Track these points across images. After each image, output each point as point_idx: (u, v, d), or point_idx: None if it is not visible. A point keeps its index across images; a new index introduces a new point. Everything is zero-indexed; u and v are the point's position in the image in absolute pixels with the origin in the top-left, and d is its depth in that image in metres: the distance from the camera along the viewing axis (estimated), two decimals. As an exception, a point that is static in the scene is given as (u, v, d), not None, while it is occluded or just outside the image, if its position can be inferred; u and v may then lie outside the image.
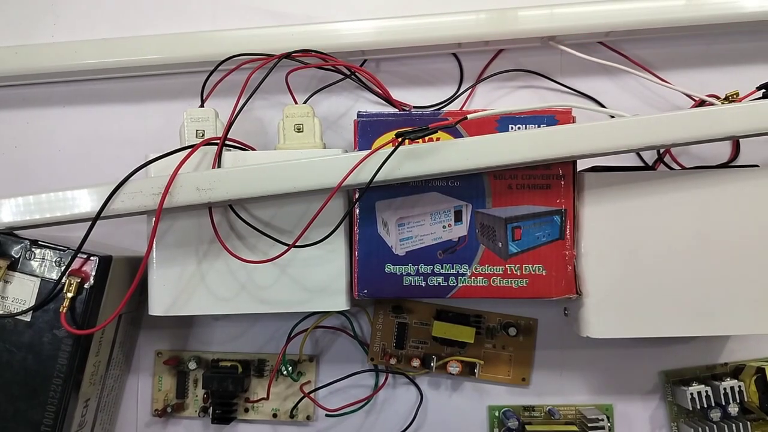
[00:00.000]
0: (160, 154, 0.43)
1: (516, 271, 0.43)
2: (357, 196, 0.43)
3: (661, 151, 0.52)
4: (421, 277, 0.43)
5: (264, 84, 0.45)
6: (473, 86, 0.53)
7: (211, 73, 0.47)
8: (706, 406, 0.48)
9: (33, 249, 0.43)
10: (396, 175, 0.41)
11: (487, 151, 0.41)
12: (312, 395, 0.51)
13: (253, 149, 0.47)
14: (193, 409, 0.52)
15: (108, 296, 0.44)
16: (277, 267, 0.44)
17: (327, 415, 0.51)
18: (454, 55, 0.54)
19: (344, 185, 0.41)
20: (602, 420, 0.48)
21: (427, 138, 0.42)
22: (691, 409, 0.48)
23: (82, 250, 0.42)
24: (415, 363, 0.50)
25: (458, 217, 0.43)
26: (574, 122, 0.43)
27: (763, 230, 0.42)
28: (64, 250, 0.43)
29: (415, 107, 0.53)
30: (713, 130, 0.41)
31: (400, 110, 0.49)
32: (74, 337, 0.43)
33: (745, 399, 0.47)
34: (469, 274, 0.43)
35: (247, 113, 0.53)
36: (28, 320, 0.43)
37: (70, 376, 0.43)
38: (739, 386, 0.47)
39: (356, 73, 0.49)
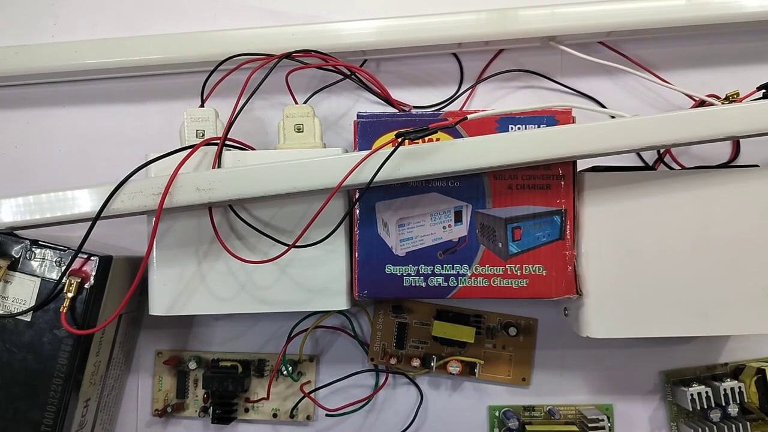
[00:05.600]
0: (160, 154, 0.43)
1: (516, 271, 0.43)
2: (357, 196, 0.43)
3: (662, 151, 0.52)
4: (422, 277, 0.43)
5: (264, 84, 0.45)
6: (473, 86, 0.53)
7: (212, 73, 0.47)
8: (706, 406, 0.48)
9: (33, 249, 0.43)
10: (396, 176, 0.41)
11: (487, 152, 0.41)
12: (312, 395, 0.51)
13: (253, 149, 0.47)
14: (194, 409, 0.52)
15: (108, 296, 0.44)
16: (277, 267, 0.44)
17: (327, 415, 0.51)
18: (455, 55, 0.54)
19: (344, 185, 0.41)
20: (602, 420, 0.48)
21: (427, 138, 0.42)
22: (691, 409, 0.48)
23: (82, 250, 0.42)
24: (416, 363, 0.50)
25: (458, 218, 0.43)
26: (574, 122, 0.43)
27: (763, 230, 0.42)
28: (64, 250, 0.43)
29: (415, 107, 0.53)
30: (713, 130, 0.41)
31: (399, 110, 0.49)
32: (74, 337, 0.43)
33: (745, 400, 0.47)
34: (469, 274, 0.43)
35: (248, 113, 0.53)
36: (29, 320, 0.43)
37: (71, 376, 0.43)
38: (739, 387, 0.47)
39: (356, 74, 0.49)
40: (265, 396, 0.51)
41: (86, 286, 0.43)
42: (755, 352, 0.51)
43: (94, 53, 0.51)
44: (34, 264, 0.43)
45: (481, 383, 0.52)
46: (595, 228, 0.43)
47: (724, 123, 0.41)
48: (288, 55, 0.47)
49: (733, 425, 0.47)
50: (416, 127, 0.41)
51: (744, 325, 0.42)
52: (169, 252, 0.44)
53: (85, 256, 0.43)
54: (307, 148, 0.45)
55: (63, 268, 0.43)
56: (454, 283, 0.43)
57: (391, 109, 0.49)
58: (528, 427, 0.49)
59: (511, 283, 0.43)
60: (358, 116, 0.44)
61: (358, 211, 0.44)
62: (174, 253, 0.44)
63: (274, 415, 0.52)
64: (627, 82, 0.53)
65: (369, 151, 0.41)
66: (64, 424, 0.43)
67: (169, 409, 0.51)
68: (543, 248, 0.43)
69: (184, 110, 0.46)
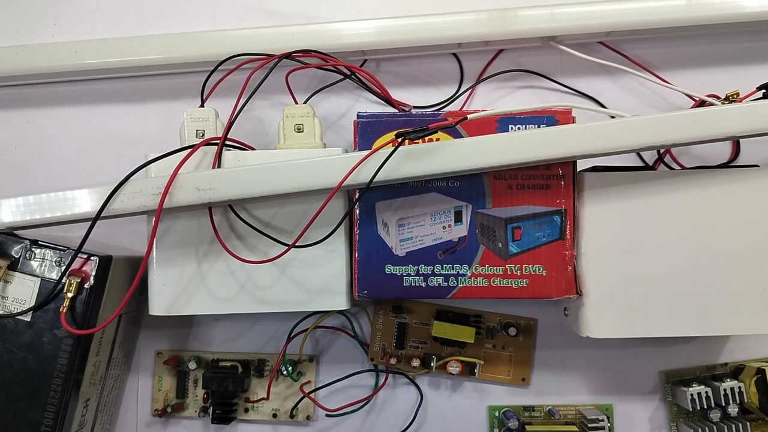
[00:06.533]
0: (160, 154, 0.43)
1: (516, 271, 0.43)
2: (357, 196, 0.43)
3: (661, 151, 0.52)
4: (422, 277, 0.43)
5: (264, 84, 0.45)
6: (473, 86, 0.53)
7: (212, 73, 0.47)
8: (705, 406, 0.48)
9: (33, 249, 0.43)
10: (396, 176, 0.41)
11: (487, 151, 0.41)
12: (312, 395, 0.51)
13: (253, 149, 0.47)
14: (193, 409, 0.52)
15: (108, 296, 0.44)
16: (277, 267, 0.44)
17: (327, 415, 0.51)
18: (454, 55, 0.54)
19: (344, 185, 0.41)
20: (602, 420, 0.48)
21: (427, 138, 0.42)
22: (691, 409, 0.48)
23: (82, 250, 0.42)
24: (415, 363, 0.50)
25: (458, 218, 0.43)
26: (574, 122, 0.43)
27: (763, 230, 0.42)
28: (64, 250, 0.43)
29: (415, 107, 0.53)
30: (713, 130, 0.41)
31: (399, 110, 0.49)
32: (74, 337, 0.43)
33: (745, 400, 0.47)
34: (469, 274, 0.43)
35: (247, 113, 0.53)
36: (29, 320, 0.43)
37: (70, 376, 0.43)
38: (739, 387, 0.47)
39: (356, 74, 0.49)
40: (265, 396, 0.51)
41: (86, 286, 0.43)
42: (755, 352, 0.51)
43: (94, 53, 0.51)
44: (34, 264, 0.43)
45: (481, 383, 0.52)
46: (595, 228, 0.43)
47: (724, 123, 0.41)
48: (288, 55, 0.47)
49: (733, 425, 0.47)
50: (416, 127, 0.41)
51: (744, 325, 0.42)
52: (169, 252, 0.44)
53: (85, 256, 0.43)
54: (307, 148, 0.45)
55: (63, 268, 0.43)
56: (454, 283, 0.43)
57: (391, 109, 0.49)
58: (528, 427, 0.49)
59: (511, 283, 0.43)
60: (358, 116, 0.44)
61: (358, 211, 0.44)
62: (174, 253, 0.44)
63: (274, 416, 0.52)
64: (627, 82, 0.53)
65: (369, 151, 0.41)
66: (64, 424, 0.43)
67: (169, 409, 0.51)
68: (543, 248, 0.43)
69: (184, 110, 0.46)
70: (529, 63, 0.54)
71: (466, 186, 0.43)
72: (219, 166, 0.43)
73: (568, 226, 0.43)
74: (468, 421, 0.52)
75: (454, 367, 0.49)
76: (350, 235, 0.45)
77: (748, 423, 0.47)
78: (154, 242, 0.43)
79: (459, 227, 0.43)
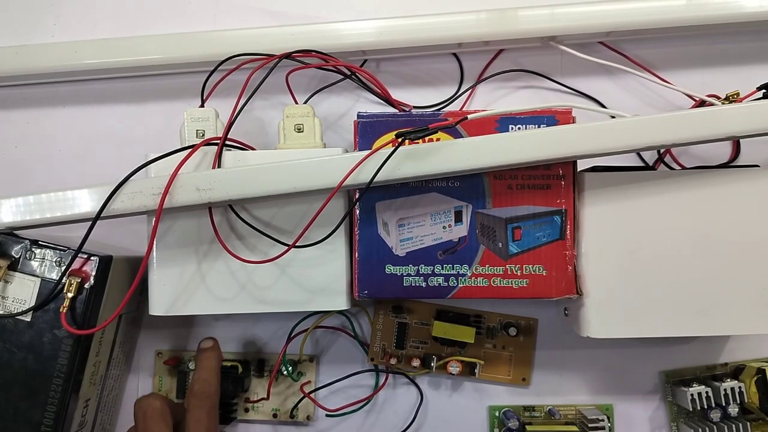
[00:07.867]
0: (160, 154, 0.43)
1: (516, 271, 0.43)
2: (357, 196, 0.43)
3: (662, 151, 0.52)
4: (422, 277, 0.43)
5: (264, 84, 0.45)
6: (473, 86, 0.53)
7: (212, 73, 0.47)
8: (706, 406, 0.48)
9: (33, 249, 0.43)
10: (396, 176, 0.41)
11: (487, 151, 0.41)
12: (312, 395, 0.51)
13: (253, 149, 0.47)
14: (194, 409, 0.52)
15: (108, 296, 0.44)
16: (278, 267, 0.44)
17: (327, 415, 0.51)
18: (455, 55, 0.54)
19: (344, 185, 0.41)
20: (602, 420, 0.48)
21: (427, 138, 0.42)
22: (691, 409, 0.48)
23: (82, 250, 0.42)
24: (416, 363, 0.50)
25: (458, 218, 0.43)
26: (574, 122, 0.43)
27: (763, 230, 0.42)
28: (64, 250, 0.43)
29: (415, 107, 0.53)
30: (713, 130, 0.41)
31: (399, 110, 0.49)
32: (74, 337, 0.43)
33: (745, 400, 0.47)
34: (469, 274, 0.43)
35: (248, 113, 0.53)
36: (29, 320, 0.43)
37: (71, 376, 0.43)
38: (740, 387, 0.47)
39: (356, 74, 0.49)
40: (265, 396, 0.51)
41: (86, 286, 0.43)
42: (755, 352, 0.51)
43: (94, 53, 0.51)
44: (34, 264, 0.43)
45: (481, 383, 0.52)
46: (595, 228, 0.43)
47: (724, 123, 0.41)
48: (288, 55, 0.47)
49: (733, 425, 0.47)
50: (416, 127, 0.41)
51: (744, 325, 0.42)
52: (169, 252, 0.44)
53: (85, 256, 0.43)
54: (307, 148, 0.45)
55: (63, 268, 0.43)
56: (454, 283, 0.43)
57: (391, 109, 0.49)
58: (528, 427, 0.49)
59: (511, 283, 0.43)
60: (359, 116, 0.44)
61: (358, 211, 0.44)
62: (174, 253, 0.44)
63: (274, 415, 0.52)
64: (627, 82, 0.53)
65: (369, 151, 0.41)
66: (64, 424, 0.43)
67: (169, 409, 0.51)
68: (543, 248, 0.43)
69: (184, 110, 0.46)
70: (529, 63, 0.54)
71: (466, 186, 0.43)
72: (219, 166, 0.43)
73: (568, 226, 0.43)
74: (468, 421, 0.52)
75: (454, 367, 0.49)
76: (350, 235, 0.45)
77: (748, 423, 0.47)
78: (154, 242, 0.43)
79: (459, 227, 0.43)
